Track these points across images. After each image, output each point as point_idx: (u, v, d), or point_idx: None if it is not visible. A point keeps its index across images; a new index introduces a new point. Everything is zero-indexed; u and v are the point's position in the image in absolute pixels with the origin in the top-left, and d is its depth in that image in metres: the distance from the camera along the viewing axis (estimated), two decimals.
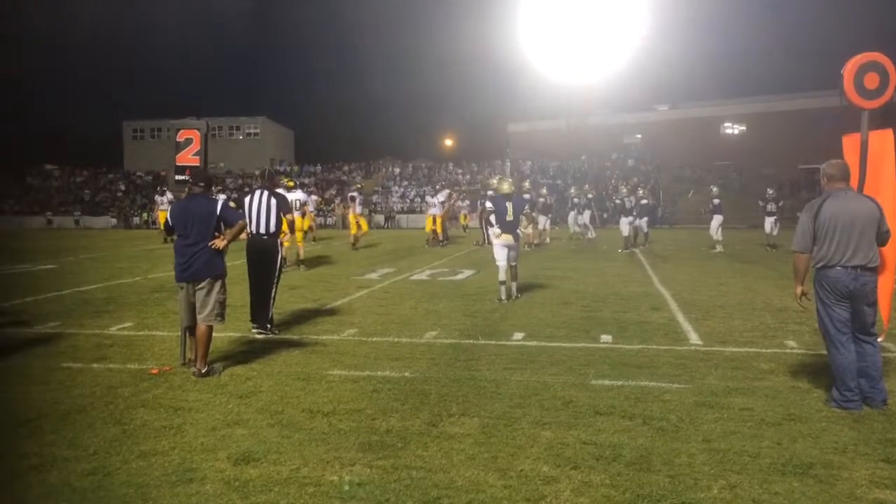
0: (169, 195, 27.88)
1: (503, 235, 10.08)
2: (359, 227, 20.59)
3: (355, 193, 20.67)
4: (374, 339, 7.53)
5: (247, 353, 6.81)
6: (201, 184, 6.30)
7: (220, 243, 6.10)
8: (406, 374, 6.02)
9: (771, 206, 20.19)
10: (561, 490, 3.64)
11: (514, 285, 10.47)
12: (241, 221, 6.44)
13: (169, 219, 6.26)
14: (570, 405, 5.09)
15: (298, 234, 15.09)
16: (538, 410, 4.97)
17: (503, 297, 10.10)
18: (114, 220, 47.94)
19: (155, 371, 6.11)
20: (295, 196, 15.33)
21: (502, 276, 10.20)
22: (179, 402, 5.20)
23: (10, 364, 6.41)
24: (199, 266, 6.04)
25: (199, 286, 6.05)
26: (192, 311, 6.12)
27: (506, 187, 10.57)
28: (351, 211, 20.85)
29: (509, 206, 10.12)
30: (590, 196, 27.58)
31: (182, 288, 6.15)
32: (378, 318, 8.81)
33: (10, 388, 5.64)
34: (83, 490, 3.68)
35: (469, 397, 5.30)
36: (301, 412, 4.96)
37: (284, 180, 15.76)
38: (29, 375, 6.00)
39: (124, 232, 39.72)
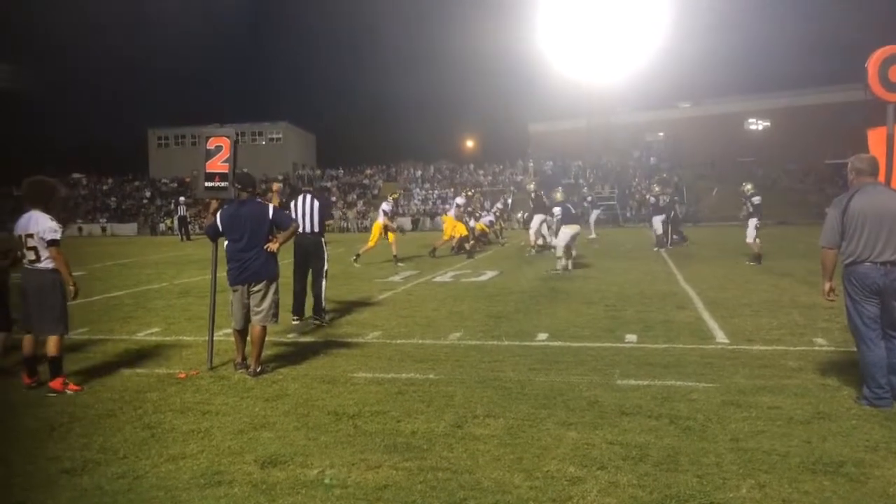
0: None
1: (569, 226, 13.97)
2: (385, 238, 17.20)
3: (390, 204, 17.86)
4: (398, 341, 7.55)
5: (272, 356, 6.86)
6: (249, 189, 6.38)
7: (273, 246, 6.23)
8: (430, 375, 6.04)
9: (662, 200, 15.44)
10: (587, 491, 3.62)
11: (570, 262, 14.06)
12: (293, 224, 6.60)
13: (219, 224, 6.33)
14: (596, 405, 5.06)
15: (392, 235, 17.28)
16: (563, 411, 4.96)
17: (559, 269, 13.76)
18: (135, 227, 48.47)
19: (182, 375, 6.18)
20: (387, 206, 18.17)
21: (559, 252, 13.95)
22: (206, 406, 5.26)
23: (41, 370, 6.51)
24: (255, 269, 6.17)
25: (256, 288, 6.18)
26: (245, 313, 6.24)
27: (558, 196, 14.89)
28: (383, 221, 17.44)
29: (569, 207, 14.52)
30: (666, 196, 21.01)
31: (236, 291, 6.25)
32: (402, 320, 8.84)
33: (42, 394, 5.73)
34: (114, 493, 3.74)
35: (494, 398, 5.30)
36: (327, 414, 4.99)
37: (391, 195, 18.71)
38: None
39: (150, 238, 40.19)
